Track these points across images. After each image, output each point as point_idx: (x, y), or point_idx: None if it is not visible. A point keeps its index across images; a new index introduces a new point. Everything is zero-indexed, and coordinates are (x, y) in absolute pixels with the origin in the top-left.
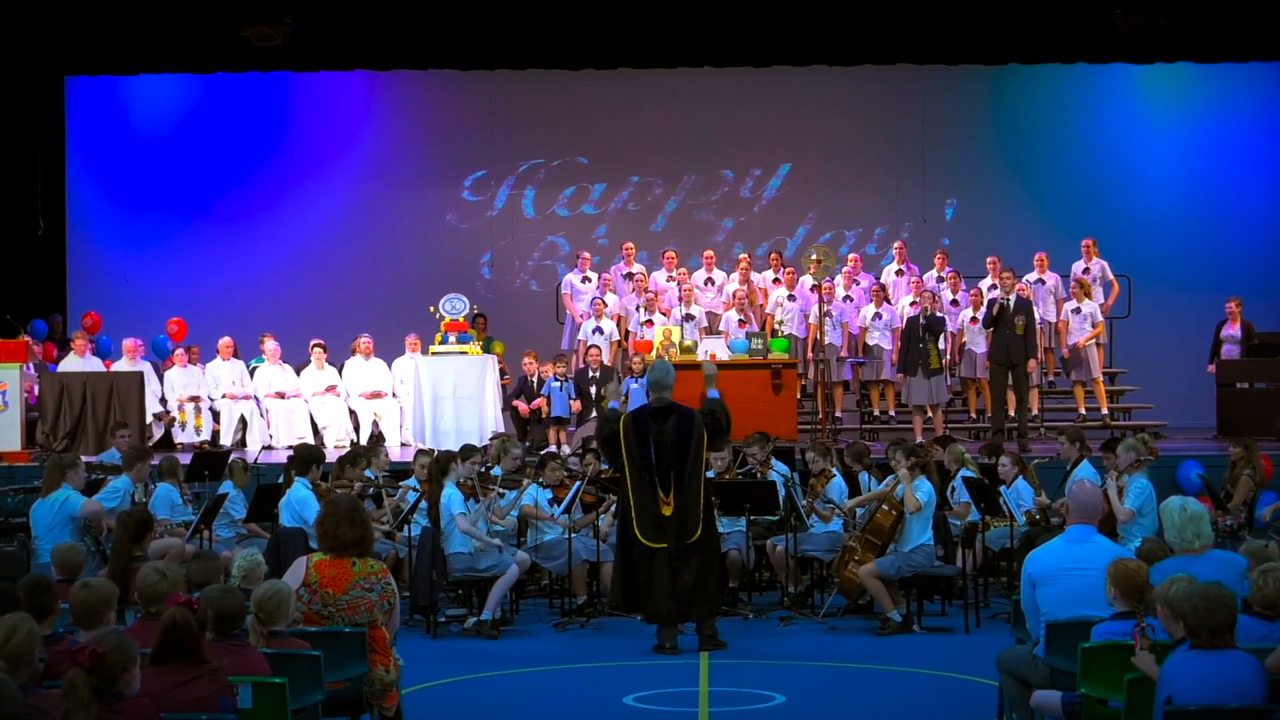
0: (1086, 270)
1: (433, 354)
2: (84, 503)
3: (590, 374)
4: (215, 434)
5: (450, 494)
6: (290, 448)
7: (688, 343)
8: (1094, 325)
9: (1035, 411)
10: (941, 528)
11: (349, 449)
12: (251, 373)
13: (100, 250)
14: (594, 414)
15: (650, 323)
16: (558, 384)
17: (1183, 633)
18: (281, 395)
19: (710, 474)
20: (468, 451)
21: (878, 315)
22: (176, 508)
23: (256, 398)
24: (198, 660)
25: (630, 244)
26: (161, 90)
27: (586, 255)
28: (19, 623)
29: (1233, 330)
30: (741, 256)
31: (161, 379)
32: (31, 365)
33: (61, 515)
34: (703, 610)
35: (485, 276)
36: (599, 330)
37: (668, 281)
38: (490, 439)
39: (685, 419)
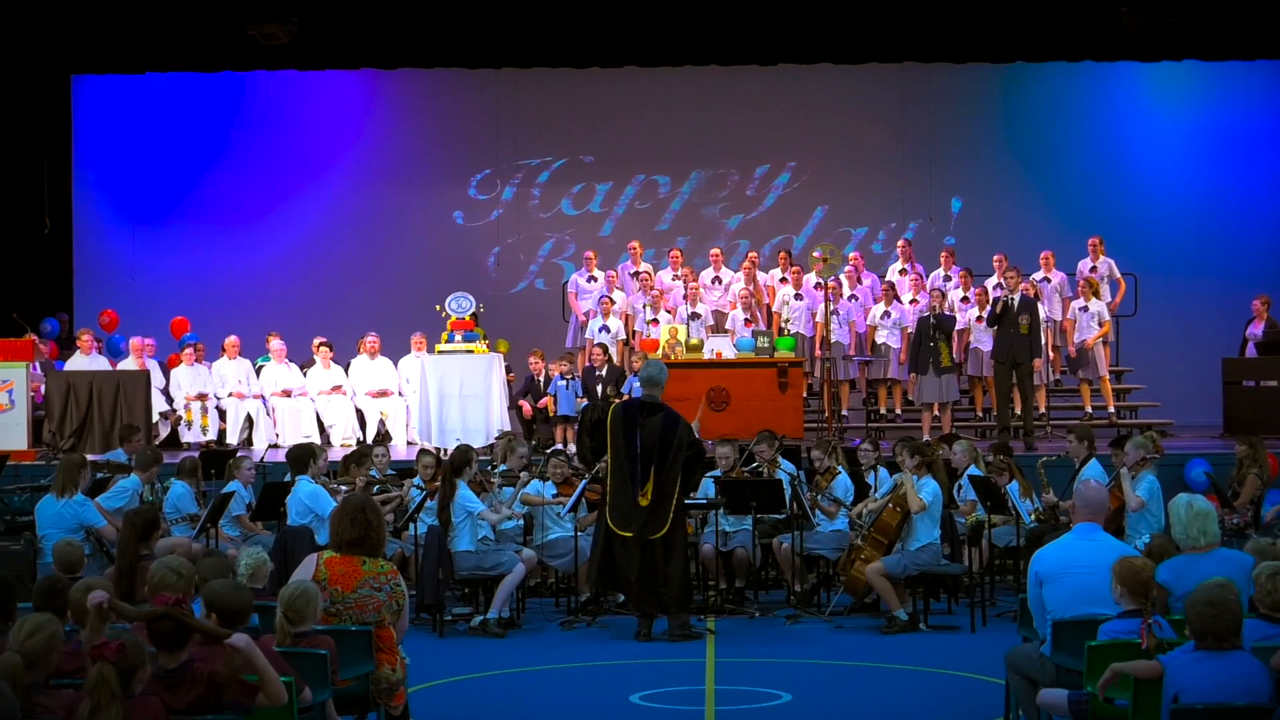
0: (1094, 269)
1: (439, 352)
2: (107, 525)
3: (596, 373)
4: (221, 433)
5: (465, 493)
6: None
7: (694, 341)
8: (1101, 324)
9: (1042, 410)
10: (948, 526)
11: (355, 448)
12: (258, 371)
13: (106, 249)
14: None
15: (656, 321)
16: (564, 382)
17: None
18: (288, 394)
19: (717, 472)
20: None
21: (886, 314)
22: (183, 507)
23: (263, 397)
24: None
25: (636, 242)
26: (168, 89)
27: (591, 254)
28: (44, 623)
29: (1256, 330)
30: (749, 255)
31: (167, 377)
32: (38, 364)
33: (71, 520)
34: (667, 603)
35: (491, 275)
36: (605, 329)
37: (673, 280)
38: (496, 438)
39: (671, 420)
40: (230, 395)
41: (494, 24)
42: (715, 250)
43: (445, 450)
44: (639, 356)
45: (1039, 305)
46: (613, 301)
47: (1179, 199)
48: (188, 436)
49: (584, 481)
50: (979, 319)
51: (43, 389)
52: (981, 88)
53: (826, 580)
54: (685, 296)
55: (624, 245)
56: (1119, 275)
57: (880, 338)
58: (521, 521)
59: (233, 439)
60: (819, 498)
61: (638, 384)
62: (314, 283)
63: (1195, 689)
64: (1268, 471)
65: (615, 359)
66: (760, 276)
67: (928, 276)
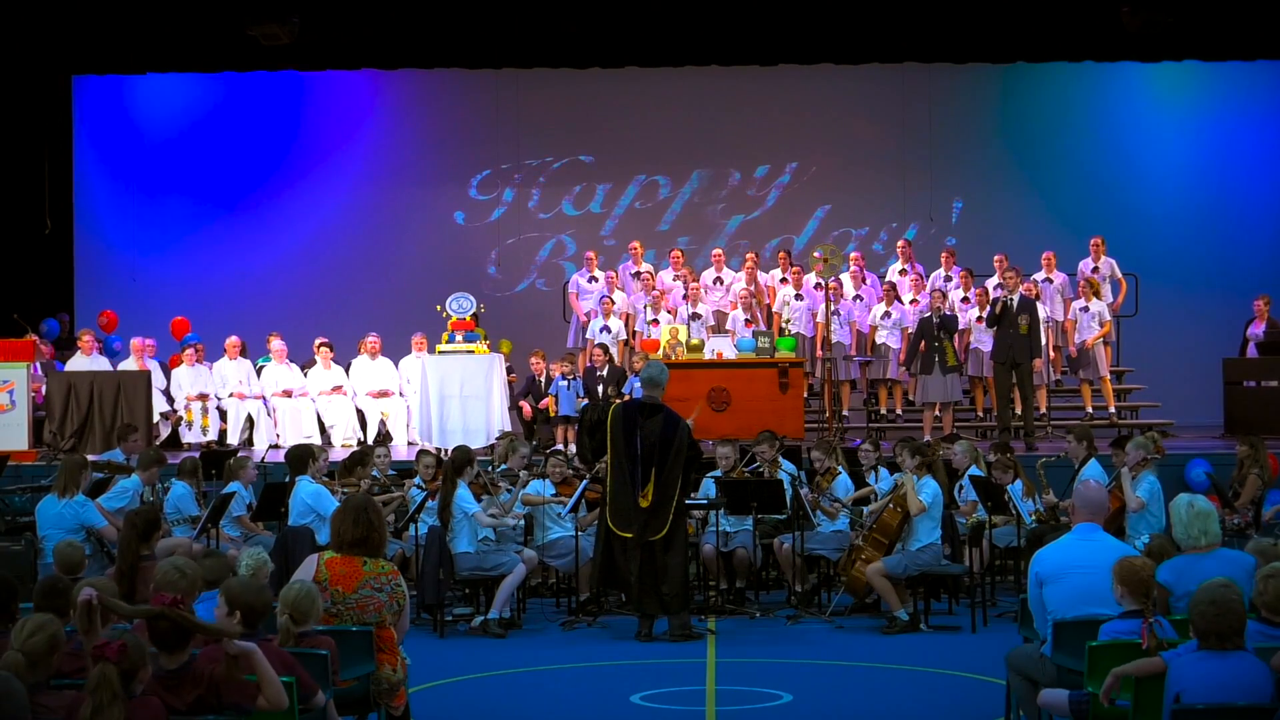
0: (1095, 269)
1: (439, 353)
2: (107, 525)
3: (597, 373)
4: (222, 433)
5: (463, 494)
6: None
7: (694, 341)
8: (1102, 324)
9: (1042, 410)
10: (949, 526)
11: (356, 448)
12: (258, 372)
13: (107, 249)
14: None
15: (657, 321)
16: (565, 383)
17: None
18: (288, 394)
19: (717, 472)
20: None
21: (887, 314)
22: (183, 508)
23: (264, 397)
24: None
25: (637, 243)
26: (168, 90)
27: (592, 255)
28: (45, 623)
29: (1257, 330)
30: (748, 255)
31: (168, 377)
32: (38, 365)
33: (71, 521)
34: (668, 603)
35: (492, 275)
36: (606, 329)
37: (674, 280)
38: (497, 438)
39: (671, 421)
40: (231, 396)
41: (494, 24)
42: (717, 250)
43: (446, 451)
44: (640, 357)
45: (1039, 305)
46: (613, 302)
47: (1180, 199)
48: (188, 437)
49: (584, 482)
50: (979, 319)
51: (43, 389)
52: (981, 88)
53: (827, 580)
54: (686, 297)
55: (625, 245)
56: (1120, 275)
57: (880, 338)
58: (522, 522)
59: (233, 439)
60: (820, 498)
61: (638, 384)
62: (315, 283)
63: (1197, 689)
64: (1268, 472)
65: (616, 359)
66: (761, 277)
67: (928, 277)
